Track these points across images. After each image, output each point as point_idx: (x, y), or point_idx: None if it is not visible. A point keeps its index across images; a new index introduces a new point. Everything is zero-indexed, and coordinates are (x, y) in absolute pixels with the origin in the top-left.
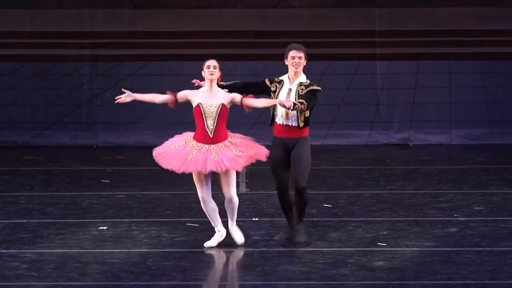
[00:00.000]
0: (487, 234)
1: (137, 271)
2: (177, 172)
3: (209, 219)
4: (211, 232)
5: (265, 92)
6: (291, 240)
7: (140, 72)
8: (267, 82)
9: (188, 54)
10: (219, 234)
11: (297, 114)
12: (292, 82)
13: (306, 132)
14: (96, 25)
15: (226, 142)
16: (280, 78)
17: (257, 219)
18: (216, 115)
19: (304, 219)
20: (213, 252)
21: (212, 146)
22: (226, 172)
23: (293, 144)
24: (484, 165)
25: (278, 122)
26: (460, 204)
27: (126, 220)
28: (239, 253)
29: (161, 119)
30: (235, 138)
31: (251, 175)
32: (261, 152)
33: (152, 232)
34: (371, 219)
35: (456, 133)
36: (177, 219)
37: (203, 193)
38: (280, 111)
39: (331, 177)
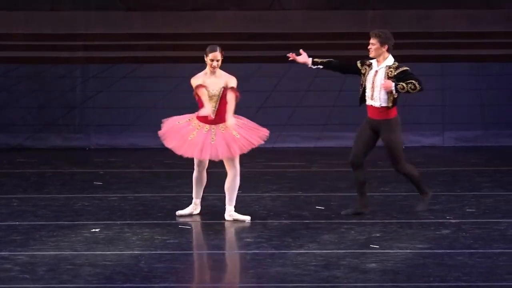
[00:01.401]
0: (479, 236)
1: (129, 273)
2: (176, 153)
3: (193, 188)
4: (204, 234)
5: (357, 73)
6: (359, 215)
7: (133, 74)
8: (358, 65)
9: (181, 56)
10: (195, 207)
11: (387, 95)
12: (379, 66)
13: (394, 113)
14: (89, 27)
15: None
16: (370, 61)
17: (249, 221)
18: (217, 98)
19: (426, 192)
20: (206, 254)
21: (213, 126)
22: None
23: (381, 126)
24: (477, 167)
25: (367, 103)
26: (453, 206)
27: (118, 222)
28: (232, 255)
29: (154, 122)
30: (237, 119)
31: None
32: (260, 134)
33: (145, 234)
34: (364, 221)
35: (449, 135)
36: (169, 221)
37: (200, 166)
38: (368, 92)
39: (323, 179)
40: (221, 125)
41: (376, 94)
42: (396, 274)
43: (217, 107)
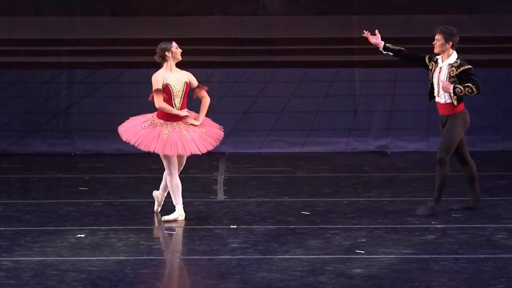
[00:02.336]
0: (465, 241)
1: (114, 279)
2: (160, 153)
3: (172, 195)
4: (189, 239)
5: (425, 67)
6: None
7: (118, 80)
8: (426, 60)
9: None
10: (178, 213)
11: (450, 93)
12: (443, 62)
13: (460, 108)
14: (74, 33)
15: (188, 119)
16: (437, 57)
17: (235, 226)
18: (182, 93)
19: (439, 199)
20: (191, 259)
21: (179, 123)
22: None
23: (446, 120)
24: (461, 173)
25: (436, 100)
26: (438, 211)
27: (104, 227)
28: (217, 261)
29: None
30: (191, 113)
31: (229, 182)
32: (219, 129)
33: (130, 239)
34: (349, 226)
35: (434, 140)
36: (154, 227)
37: (174, 168)
38: (436, 89)
39: (309, 185)
40: (183, 121)
41: (441, 91)
42: (382, 280)
43: (181, 103)
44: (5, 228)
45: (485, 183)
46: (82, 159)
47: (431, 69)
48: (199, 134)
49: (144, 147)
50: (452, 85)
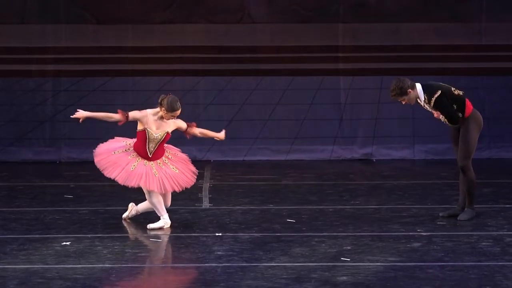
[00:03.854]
0: (450, 249)
1: (100, 286)
2: (120, 183)
3: (156, 210)
4: (175, 247)
5: None
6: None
7: (103, 88)
8: None
9: (151, 69)
10: (164, 221)
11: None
12: (422, 102)
13: (467, 112)
14: (59, 41)
15: (163, 158)
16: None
17: (220, 234)
18: (158, 141)
19: (473, 203)
20: (177, 267)
21: (152, 162)
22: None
23: (459, 128)
24: (447, 180)
25: None
26: (424, 219)
27: (89, 235)
28: (203, 269)
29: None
30: (170, 150)
31: (214, 190)
32: (192, 172)
33: (116, 247)
34: (335, 234)
35: (420, 148)
36: (140, 235)
37: (147, 191)
38: None
39: (294, 192)
40: (158, 160)
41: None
42: (367, 287)
43: (155, 148)
44: None
45: None
46: (67, 167)
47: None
48: (170, 174)
49: (107, 173)
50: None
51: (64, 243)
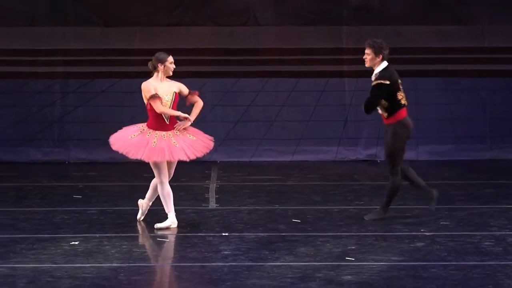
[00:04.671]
0: (453, 249)
1: (108, 285)
2: (147, 161)
3: (163, 203)
4: (182, 246)
5: None
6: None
7: (111, 89)
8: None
9: None
10: (171, 221)
11: (380, 107)
12: (373, 75)
13: (395, 119)
14: (67, 43)
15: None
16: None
17: (226, 234)
18: (171, 103)
19: (387, 206)
20: (184, 266)
21: (169, 132)
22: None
23: (385, 131)
24: (450, 181)
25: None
26: (427, 219)
27: (97, 235)
28: (209, 268)
29: None
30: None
31: (220, 190)
32: (209, 139)
33: (123, 246)
34: (339, 234)
35: (423, 149)
36: (147, 234)
37: (164, 177)
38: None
39: (299, 193)
40: (174, 130)
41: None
42: (371, 287)
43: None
44: (0, 236)
45: (472, 191)
46: (76, 168)
47: None
48: (189, 142)
49: (132, 155)
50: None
51: (73, 242)
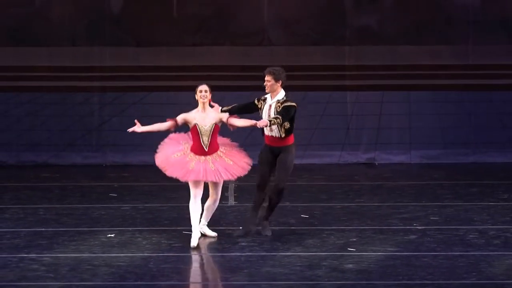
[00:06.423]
0: (442, 241)
1: (140, 272)
2: (181, 180)
3: (191, 217)
4: (203, 239)
5: (256, 110)
6: (249, 233)
7: (142, 101)
8: (256, 102)
9: (183, 85)
10: (197, 234)
11: (278, 127)
12: (272, 99)
13: (290, 141)
14: (104, 61)
15: (218, 152)
16: (265, 96)
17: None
18: (210, 133)
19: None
20: (205, 256)
21: (208, 157)
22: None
23: (278, 151)
24: (439, 181)
25: (266, 133)
26: (419, 214)
27: (130, 228)
28: (228, 257)
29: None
30: (224, 146)
31: (239, 189)
32: (246, 163)
33: (153, 239)
34: (342, 227)
35: (415, 153)
36: (174, 228)
37: (197, 193)
38: None
39: (307, 192)
40: (214, 154)
41: (274, 126)
42: (370, 274)
43: (209, 141)
44: (45, 229)
45: (459, 190)
46: (111, 170)
47: (261, 107)
48: (225, 166)
49: (169, 173)
50: (266, 121)
51: (109, 235)
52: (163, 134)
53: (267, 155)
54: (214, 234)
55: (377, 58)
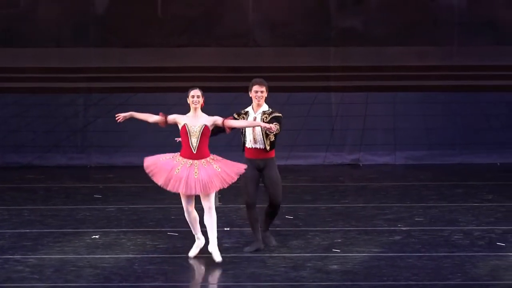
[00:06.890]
0: (426, 242)
1: (124, 274)
2: (165, 188)
3: (191, 227)
4: (189, 240)
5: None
6: (260, 250)
7: (128, 102)
8: (235, 116)
9: (169, 86)
10: (200, 242)
11: (264, 139)
12: (256, 112)
13: (273, 154)
14: (90, 62)
15: (208, 159)
16: (246, 109)
17: (228, 229)
18: (199, 134)
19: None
20: (191, 258)
21: (196, 161)
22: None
23: (263, 165)
24: (424, 182)
25: (248, 146)
26: (404, 215)
27: (115, 230)
28: (213, 258)
29: (146, 143)
30: (216, 156)
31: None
32: (239, 167)
33: (138, 240)
34: (327, 228)
35: (400, 154)
36: (159, 229)
37: (188, 204)
38: (249, 137)
39: (292, 193)
40: (203, 160)
41: (257, 137)
42: (355, 275)
43: (198, 143)
44: (30, 230)
45: (444, 191)
46: (96, 171)
47: None
48: (211, 174)
49: (155, 180)
50: (276, 127)
51: (94, 236)
52: (149, 137)
53: (252, 172)
54: (219, 259)
55: (362, 59)
